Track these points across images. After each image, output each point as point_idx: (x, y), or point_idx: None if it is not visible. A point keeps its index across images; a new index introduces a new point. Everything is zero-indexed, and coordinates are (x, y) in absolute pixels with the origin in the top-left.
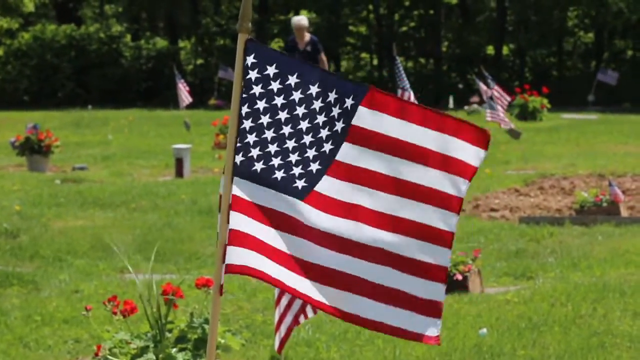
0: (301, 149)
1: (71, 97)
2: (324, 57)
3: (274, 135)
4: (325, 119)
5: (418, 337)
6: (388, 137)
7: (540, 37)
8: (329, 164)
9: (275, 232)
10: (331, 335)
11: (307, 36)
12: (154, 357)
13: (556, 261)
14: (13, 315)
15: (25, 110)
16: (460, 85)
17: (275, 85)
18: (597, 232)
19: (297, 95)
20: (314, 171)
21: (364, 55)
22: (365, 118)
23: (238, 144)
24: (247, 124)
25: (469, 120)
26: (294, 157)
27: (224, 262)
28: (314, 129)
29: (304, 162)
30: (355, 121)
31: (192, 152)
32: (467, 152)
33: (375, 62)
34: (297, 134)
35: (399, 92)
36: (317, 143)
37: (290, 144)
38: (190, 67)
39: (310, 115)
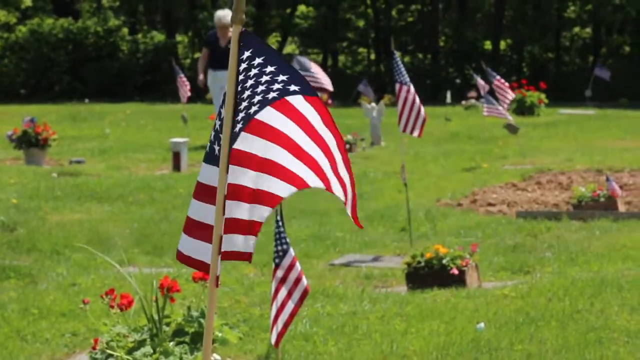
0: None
1: (68, 91)
2: None
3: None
4: (264, 88)
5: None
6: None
7: (538, 32)
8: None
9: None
10: (328, 329)
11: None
12: (152, 351)
13: (553, 256)
14: (10, 308)
15: (22, 103)
16: (458, 80)
17: (253, 71)
18: (595, 227)
19: (264, 78)
20: (237, 130)
21: (361, 49)
22: (296, 103)
23: (214, 134)
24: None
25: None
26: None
27: (219, 253)
28: (251, 96)
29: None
30: (288, 98)
31: (190, 146)
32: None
33: (372, 56)
34: (240, 103)
35: (397, 86)
36: (248, 107)
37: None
38: (188, 61)
39: (254, 85)
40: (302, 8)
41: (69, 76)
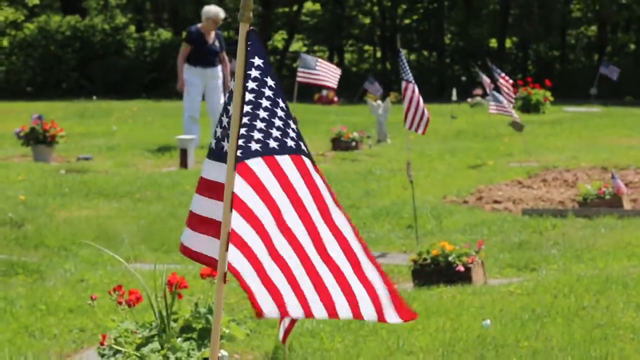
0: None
1: (75, 88)
2: (225, 56)
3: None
4: (267, 123)
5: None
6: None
7: (544, 30)
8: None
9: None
10: (335, 326)
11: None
12: (160, 347)
13: (559, 253)
14: (18, 304)
15: (30, 101)
16: (464, 78)
17: (267, 92)
18: (600, 225)
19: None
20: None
21: (367, 47)
22: None
23: (221, 130)
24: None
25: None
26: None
27: (227, 250)
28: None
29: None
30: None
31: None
32: None
33: (378, 54)
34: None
35: (404, 84)
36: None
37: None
38: None
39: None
40: (308, 5)
41: (77, 73)
